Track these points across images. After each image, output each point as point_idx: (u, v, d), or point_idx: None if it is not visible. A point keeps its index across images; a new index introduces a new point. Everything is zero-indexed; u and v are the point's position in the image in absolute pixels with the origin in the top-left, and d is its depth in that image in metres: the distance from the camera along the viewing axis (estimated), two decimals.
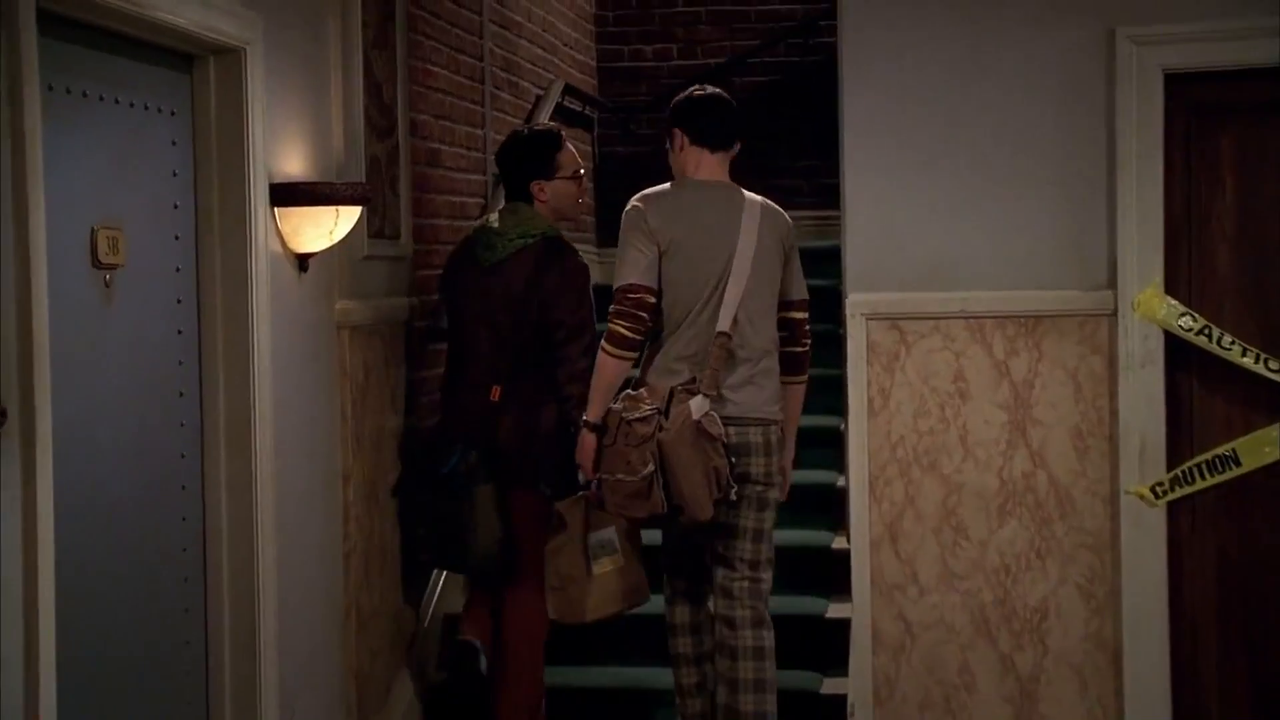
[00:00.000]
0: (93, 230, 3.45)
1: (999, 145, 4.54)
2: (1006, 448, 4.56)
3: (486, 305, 4.65)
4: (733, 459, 4.15)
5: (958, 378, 4.57)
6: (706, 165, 4.33)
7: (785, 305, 4.37)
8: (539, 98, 6.82)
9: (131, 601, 3.62)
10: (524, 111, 6.59)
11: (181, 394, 3.86)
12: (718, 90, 4.48)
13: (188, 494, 3.89)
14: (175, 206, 3.84)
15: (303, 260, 4.25)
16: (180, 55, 3.84)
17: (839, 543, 5.40)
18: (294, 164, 4.22)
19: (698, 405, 4.09)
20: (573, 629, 4.56)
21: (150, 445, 3.71)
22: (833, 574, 5.30)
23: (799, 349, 4.40)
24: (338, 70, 4.51)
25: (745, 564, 4.30)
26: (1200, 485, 4.45)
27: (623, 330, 4.15)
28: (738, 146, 4.40)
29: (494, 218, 4.76)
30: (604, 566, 4.33)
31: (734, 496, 4.14)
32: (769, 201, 4.41)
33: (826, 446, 5.86)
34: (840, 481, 5.52)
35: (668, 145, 4.43)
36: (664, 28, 8.17)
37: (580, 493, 4.38)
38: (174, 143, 3.84)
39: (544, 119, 6.55)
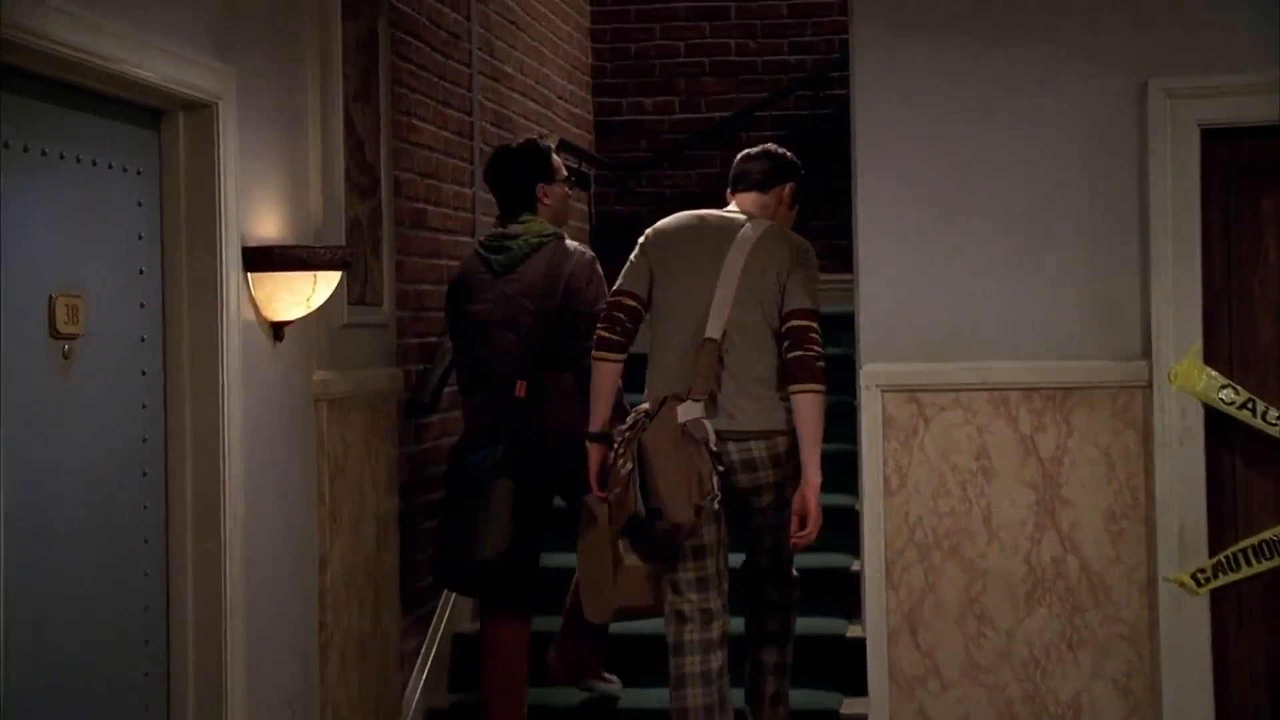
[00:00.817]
0: (51, 298, 3.42)
1: (1024, 203, 4.55)
2: (1034, 530, 4.52)
3: (508, 309, 4.84)
4: (721, 468, 4.27)
5: (980, 454, 4.55)
6: (735, 203, 4.60)
7: (784, 317, 4.37)
8: None
9: (88, 701, 3.56)
10: None
11: (145, 473, 3.82)
12: (767, 146, 4.69)
13: (150, 580, 3.84)
14: (140, 272, 3.83)
15: (278, 329, 4.23)
16: (147, 110, 3.84)
17: (854, 631, 5.34)
18: (269, 226, 4.22)
19: (685, 410, 4.28)
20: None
21: (110, 529, 3.67)
22: (848, 665, 5.24)
23: (803, 352, 4.32)
24: (316, 125, 4.51)
25: (771, 577, 4.55)
26: (1246, 573, 4.40)
27: (601, 331, 4.46)
28: (778, 188, 4.60)
29: (493, 231, 5.00)
30: (635, 560, 4.39)
31: (715, 505, 4.25)
32: (781, 228, 4.50)
33: (840, 528, 5.80)
34: (855, 566, 5.47)
35: None
36: (665, 79, 8.19)
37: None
38: (140, 203, 3.83)
39: None
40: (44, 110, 3.43)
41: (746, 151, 4.69)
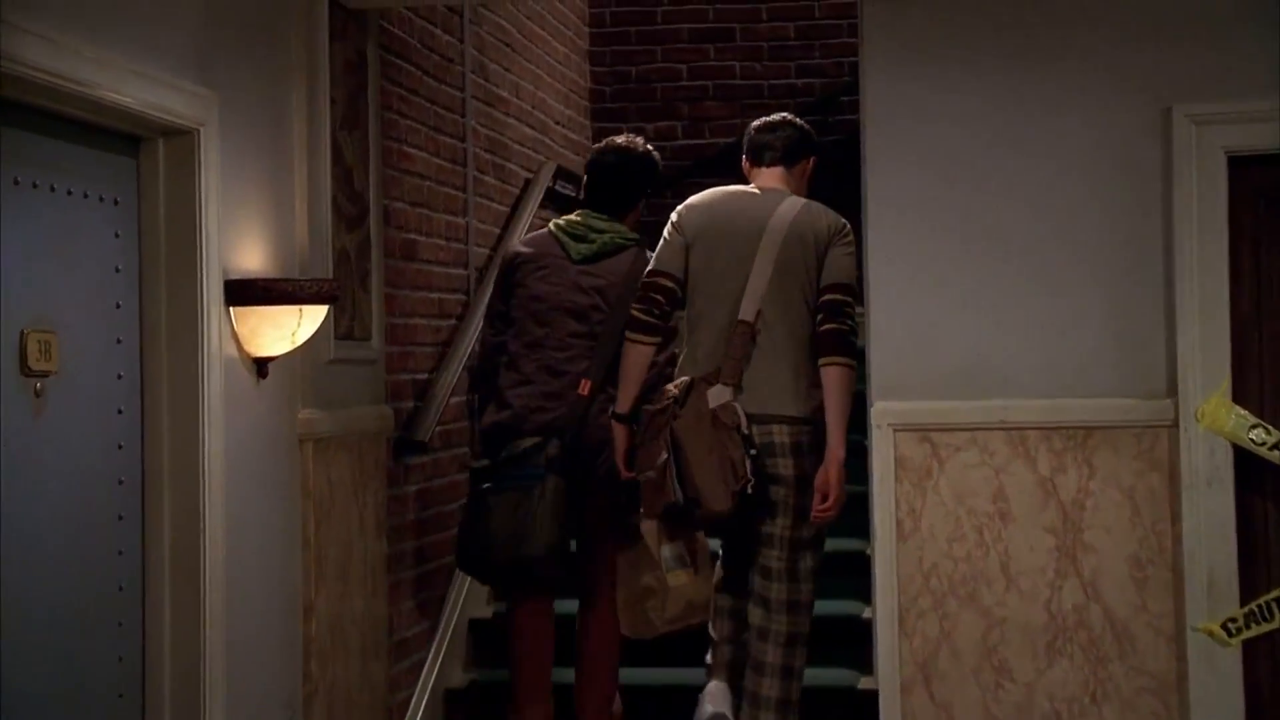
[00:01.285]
0: (22, 333, 3.41)
1: (1043, 232, 4.55)
2: (1055, 577, 4.50)
3: (580, 299, 4.91)
4: (752, 451, 4.29)
5: (998, 497, 4.54)
6: (760, 178, 4.62)
7: (820, 290, 4.41)
8: (528, 182, 6.81)
9: None
10: (511, 197, 6.58)
11: (121, 517, 3.80)
12: (784, 115, 4.71)
13: (125, 631, 3.81)
14: (117, 306, 3.81)
15: (261, 365, 4.23)
16: (125, 137, 3.83)
17: (865, 683, 5.30)
18: (252, 258, 4.21)
19: (715, 394, 4.33)
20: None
21: (84, 575, 3.64)
22: (859, 719, 5.20)
23: (835, 325, 4.37)
24: (302, 153, 4.51)
25: (782, 576, 4.42)
26: None
27: (636, 313, 4.51)
28: (803, 162, 4.63)
29: (575, 217, 5.04)
30: (679, 579, 4.53)
31: (751, 490, 4.26)
32: (819, 205, 4.51)
33: (851, 573, 5.77)
34: (866, 613, 5.43)
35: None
36: (667, 104, 8.19)
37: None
38: (117, 234, 3.82)
39: (534, 205, 6.59)
40: (16, 137, 3.41)
41: (765, 120, 4.67)
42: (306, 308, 4.17)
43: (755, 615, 4.45)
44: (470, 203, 6.00)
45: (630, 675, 5.29)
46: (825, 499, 4.33)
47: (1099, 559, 4.49)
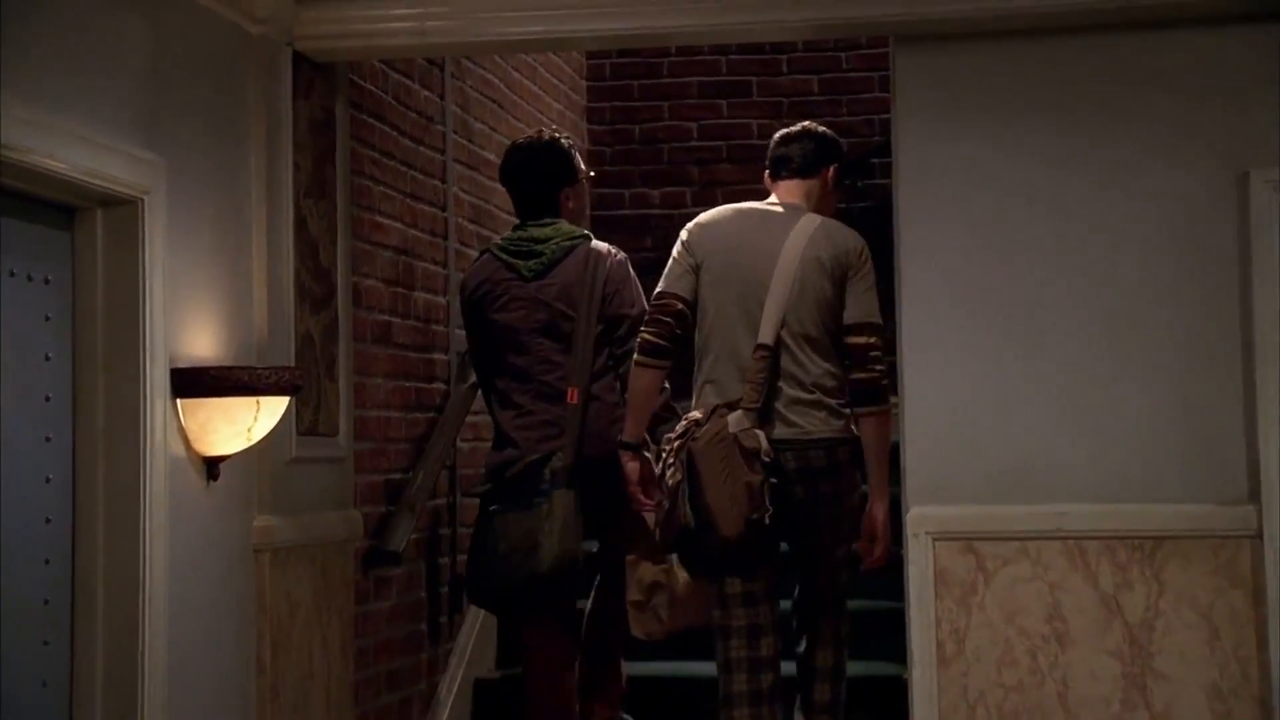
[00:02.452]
0: None
1: (1102, 313, 4.54)
2: (1121, 710, 4.45)
3: (546, 315, 5.14)
4: (775, 479, 4.48)
5: (1053, 616, 4.50)
6: (779, 191, 4.84)
7: (844, 330, 4.62)
8: None
9: None
10: None
11: (46, 643, 3.76)
12: (805, 124, 4.92)
13: None
14: (47, 399, 3.80)
15: (212, 466, 4.22)
16: (58, 207, 3.83)
17: None
18: (203, 343, 4.20)
19: (736, 420, 4.51)
20: None
21: (4, 710, 3.58)
22: None
23: (865, 374, 4.60)
24: (261, 224, 4.52)
25: (821, 596, 4.66)
26: None
27: (648, 335, 4.71)
28: (824, 171, 4.82)
29: (513, 234, 5.28)
30: (687, 575, 4.74)
31: (768, 520, 4.45)
32: (835, 223, 4.72)
33: (885, 702, 5.70)
34: None
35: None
36: (675, 167, 8.19)
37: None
38: (47, 317, 3.80)
39: None
40: None
41: (785, 132, 4.90)
42: (264, 399, 4.17)
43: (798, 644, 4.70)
44: (452, 279, 5.98)
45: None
46: (872, 545, 4.60)
47: (1172, 689, 4.44)
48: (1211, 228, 4.48)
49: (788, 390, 4.58)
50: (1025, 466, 4.53)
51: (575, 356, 5.11)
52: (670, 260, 4.72)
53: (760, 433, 4.51)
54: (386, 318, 5.47)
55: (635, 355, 4.75)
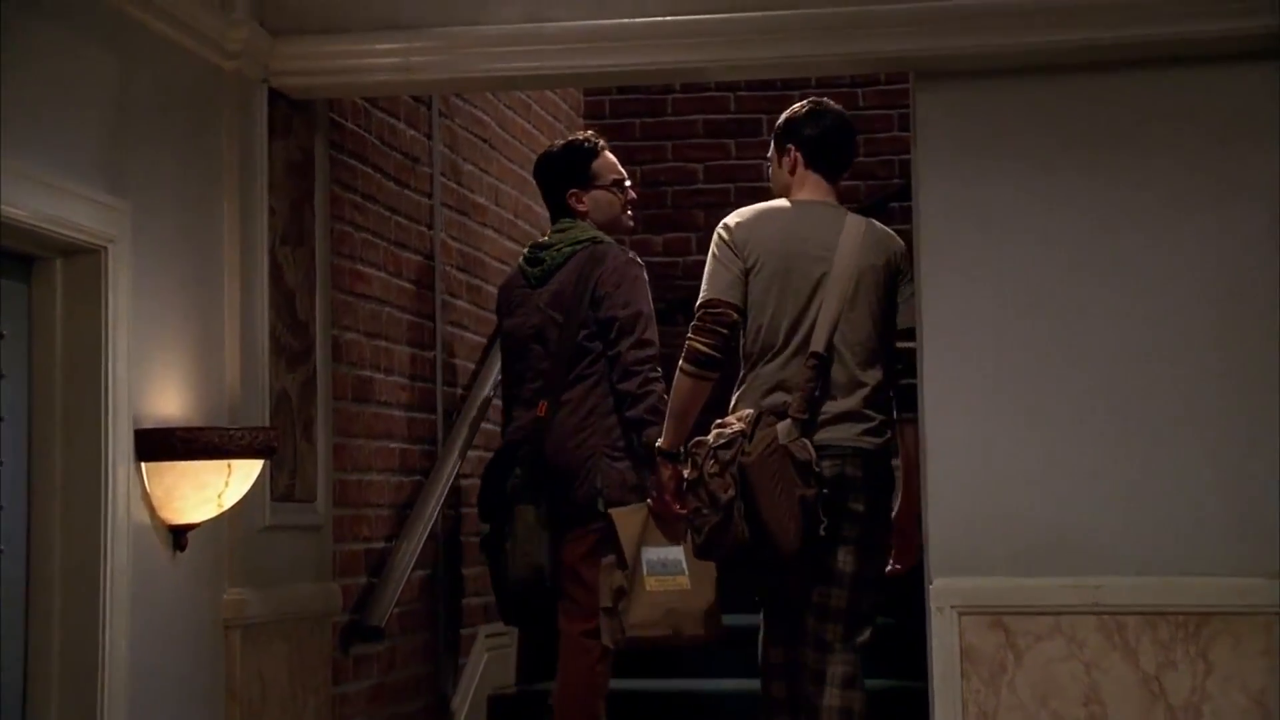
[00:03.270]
0: None
1: (1141, 370, 4.53)
2: None
3: (539, 321, 5.38)
4: (825, 490, 4.62)
5: (1090, 699, 4.48)
6: (811, 186, 4.94)
7: (896, 336, 4.82)
8: None
9: None
10: (490, 325, 6.55)
11: None
12: (839, 109, 5.00)
13: None
14: (0, 464, 3.79)
15: (179, 535, 4.22)
16: (14, 257, 3.83)
17: None
18: (170, 402, 4.21)
19: (785, 430, 4.63)
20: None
21: None
22: None
23: (911, 380, 4.76)
24: (234, 274, 4.53)
25: (841, 614, 4.70)
26: None
27: (700, 346, 4.76)
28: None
29: (536, 242, 5.61)
30: (663, 584, 4.95)
31: (824, 531, 4.60)
32: (876, 223, 4.89)
33: None
34: None
35: (771, 156, 5.03)
36: (680, 212, 8.18)
37: (644, 502, 5.05)
38: (2, 375, 3.80)
39: None
40: None
41: (834, 120, 4.95)
42: (236, 463, 4.17)
43: (811, 658, 4.73)
44: (440, 333, 6.00)
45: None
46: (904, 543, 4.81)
47: None
48: (1259, 272, 4.47)
49: (834, 399, 4.69)
50: (1059, 536, 4.52)
51: (553, 366, 5.31)
52: (712, 261, 4.80)
53: (808, 441, 4.63)
54: (368, 374, 5.47)
55: (683, 364, 4.78)
